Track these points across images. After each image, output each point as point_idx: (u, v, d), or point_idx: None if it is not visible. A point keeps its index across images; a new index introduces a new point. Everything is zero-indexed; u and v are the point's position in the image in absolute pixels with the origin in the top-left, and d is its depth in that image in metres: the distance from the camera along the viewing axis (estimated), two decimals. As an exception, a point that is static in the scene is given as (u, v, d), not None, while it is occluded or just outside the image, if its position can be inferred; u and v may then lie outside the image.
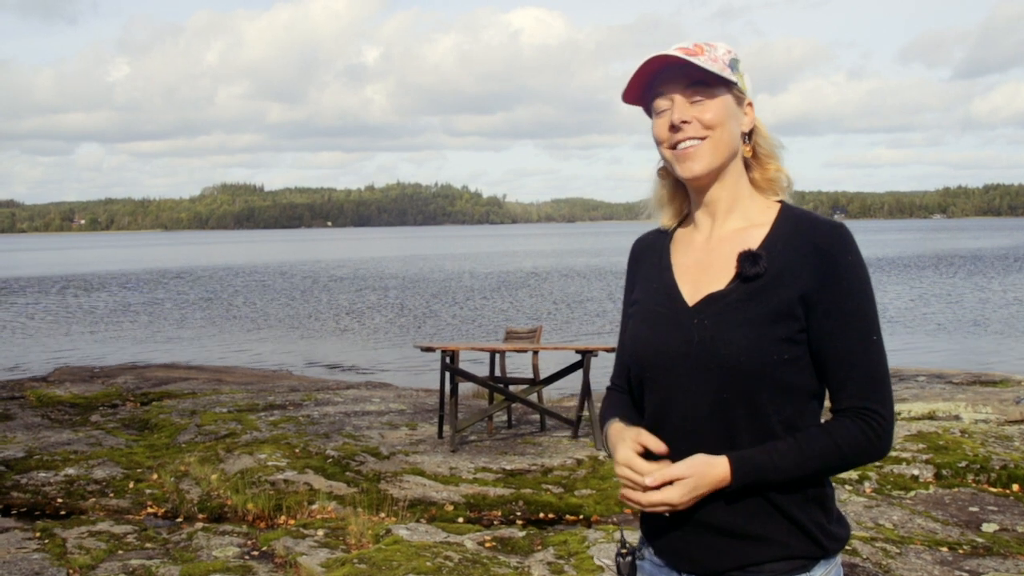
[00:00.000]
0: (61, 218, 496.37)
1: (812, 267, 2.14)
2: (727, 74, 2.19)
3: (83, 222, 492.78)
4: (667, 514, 2.14)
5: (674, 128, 2.21)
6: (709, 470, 2.08)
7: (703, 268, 2.27)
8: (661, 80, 2.22)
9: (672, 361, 2.21)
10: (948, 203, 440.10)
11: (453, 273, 59.76)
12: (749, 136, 2.28)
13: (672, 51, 2.18)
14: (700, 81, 2.19)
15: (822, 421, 2.19)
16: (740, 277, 2.17)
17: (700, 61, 2.16)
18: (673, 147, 2.22)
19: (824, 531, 2.17)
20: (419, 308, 36.24)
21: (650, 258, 2.41)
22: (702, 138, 2.20)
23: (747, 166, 2.30)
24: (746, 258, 2.17)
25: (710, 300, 2.20)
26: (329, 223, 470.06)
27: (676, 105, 2.21)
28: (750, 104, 2.28)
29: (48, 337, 28.58)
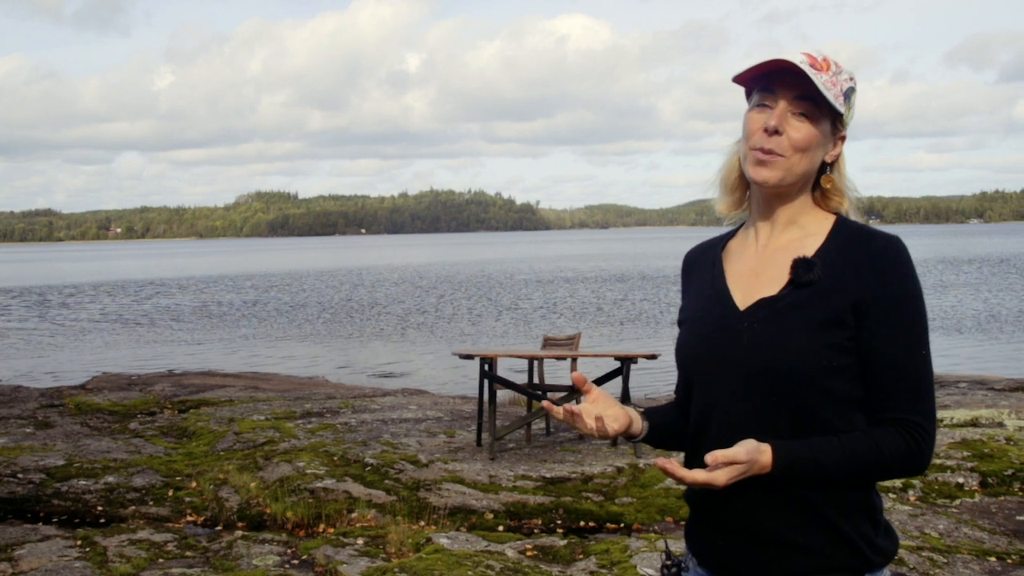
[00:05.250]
0: (97, 227, 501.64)
1: (866, 277, 2.13)
2: (839, 104, 2.18)
3: (119, 230, 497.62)
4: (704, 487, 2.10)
5: (766, 131, 2.19)
6: (759, 456, 2.07)
7: (756, 274, 2.27)
8: (776, 77, 2.20)
9: (720, 364, 2.21)
10: (985, 207, 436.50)
11: (488, 279, 59.75)
12: (832, 167, 2.27)
13: (800, 58, 2.17)
14: (810, 97, 2.17)
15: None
16: (794, 283, 2.17)
17: (821, 80, 2.15)
18: (756, 148, 2.20)
19: (870, 544, 2.15)
20: (453, 314, 36.27)
21: (702, 267, 2.42)
22: (784, 155, 2.18)
23: (813, 186, 2.30)
24: (801, 264, 2.18)
25: (761, 304, 2.20)
26: (363, 230, 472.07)
27: (778, 111, 2.19)
28: (843, 138, 2.27)
29: (85, 345, 28.80)
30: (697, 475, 2.05)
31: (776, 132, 2.18)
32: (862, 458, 2.10)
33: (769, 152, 2.18)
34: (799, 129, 2.17)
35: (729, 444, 2.11)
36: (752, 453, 2.06)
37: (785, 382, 2.11)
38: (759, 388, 2.14)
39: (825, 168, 2.27)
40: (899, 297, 2.13)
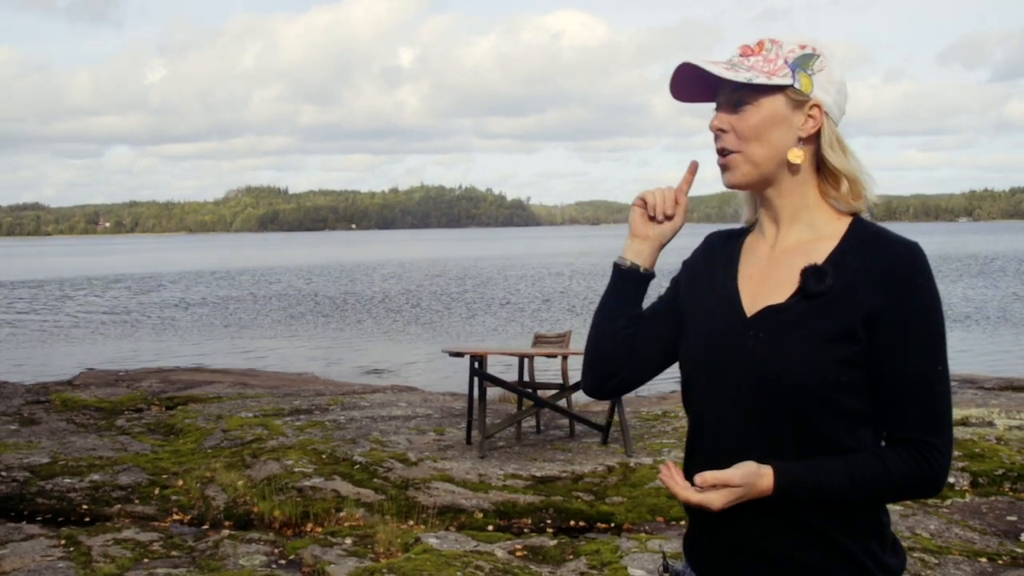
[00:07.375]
0: (86, 221, 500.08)
1: (879, 286, 2.00)
2: (774, 79, 2.06)
3: (108, 225, 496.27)
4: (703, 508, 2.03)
5: (715, 134, 2.16)
6: (758, 481, 1.98)
7: (765, 278, 2.16)
8: (710, 81, 2.14)
9: (723, 371, 2.11)
10: (974, 206, 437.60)
11: (479, 275, 59.69)
12: (806, 141, 2.12)
13: (700, 61, 2.11)
14: (745, 84, 2.08)
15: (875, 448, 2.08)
16: (803, 293, 2.06)
17: (743, 66, 2.09)
18: (718, 152, 2.16)
19: (877, 561, 2.06)
20: (444, 310, 36.21)
21: (720, 258, 2.29)
22: (737, 150, 2.12)
23: (817, 172, 2.16)
24: (811, 274, 2.05)
25: (768, 313, 2.09)
26: (353, 226, 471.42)
27: (718, 112, 2.15)
28: (815, 106, 2.10)
29: (72, 340, 28.67)
30: (691, 495, 1.99)
31: (721, 131, 2.13)
32: (870, 482, 2.00)
33: (723, 153, 2.13)
34: (743, 118, 2.10)
35: (727, 453, 2.04)
36: (749, 477, 1.97)
37: (789, 396, 2.01)
38: (761, 400, 2.04)
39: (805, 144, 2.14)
40: (915, 308, 2.00)
